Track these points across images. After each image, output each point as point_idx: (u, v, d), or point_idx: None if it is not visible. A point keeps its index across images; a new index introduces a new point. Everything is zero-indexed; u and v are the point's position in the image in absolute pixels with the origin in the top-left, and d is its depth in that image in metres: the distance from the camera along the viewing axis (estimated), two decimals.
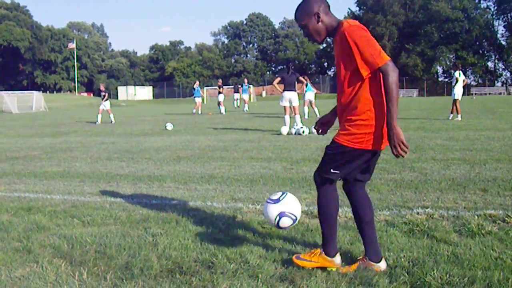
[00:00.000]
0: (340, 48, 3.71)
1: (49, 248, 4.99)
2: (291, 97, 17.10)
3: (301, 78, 18.67)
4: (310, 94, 25.40)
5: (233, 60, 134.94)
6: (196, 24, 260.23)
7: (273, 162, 10.18)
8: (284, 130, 16.82)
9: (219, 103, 36.43)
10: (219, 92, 37.26)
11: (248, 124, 22.39)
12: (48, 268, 4.39)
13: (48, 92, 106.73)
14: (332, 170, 3.88)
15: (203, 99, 55.46)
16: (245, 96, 40.18)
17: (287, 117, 17.36)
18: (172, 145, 14.44)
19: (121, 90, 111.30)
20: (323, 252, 4.06)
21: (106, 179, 8.94)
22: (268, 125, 21.11)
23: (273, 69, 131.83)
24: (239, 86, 45.44)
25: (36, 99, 66.43)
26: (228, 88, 59.39)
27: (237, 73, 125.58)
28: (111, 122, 27.28)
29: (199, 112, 35.91)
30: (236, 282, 3.89)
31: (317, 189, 4.04)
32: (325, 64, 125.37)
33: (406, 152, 3.62)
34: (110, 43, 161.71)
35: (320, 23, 3.82)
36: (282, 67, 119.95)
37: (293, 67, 17.34)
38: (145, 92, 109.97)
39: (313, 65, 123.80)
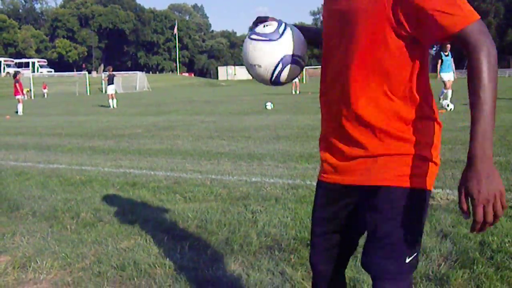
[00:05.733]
0: None
1: (153, 222, 5.14)
2: None
3: None
4: None
5: None
6: (294, 3, 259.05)
7: None
8: None
9: None
10: None
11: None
12: (152, 241, 4.53)
13: (151, 72, 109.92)
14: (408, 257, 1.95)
15: (301, 79, 55.04)
16: None
17: None
18: (271, 124, 14.49)
19: (221, 70, 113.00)
20: None
21: (207, 157, 9.10)
22: None
23: None
24: None
25: (139, 79, 68.55)
26: None
27: None
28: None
29: (297, 91, 35.78)
30: None
31: None
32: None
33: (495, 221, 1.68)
34: (210, 24, 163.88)
35: None
36: None
37: None
38: (244, 72, 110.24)
39: None
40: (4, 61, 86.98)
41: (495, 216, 1.65)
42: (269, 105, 21.12)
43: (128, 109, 26.20)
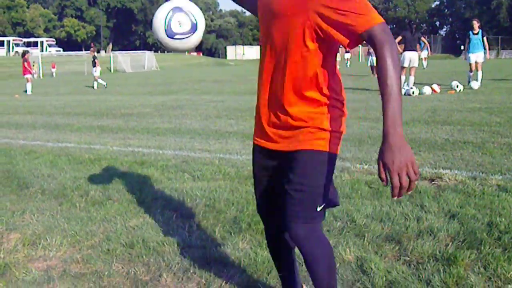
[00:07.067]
0: None
1: (161, 200, 5.17)
2: (411, 57, 16.87)
3: (423, 38, 18.05)
4: (425, 53, 26.74)
5: None
6: None
7: (381, 123, 9.88)
8: None
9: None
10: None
11: (356, 84, 22.00)
12: (160, 219, 4.56)
13: (159, 52, 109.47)
14: (319, 206, 2.33)
15: None
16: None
17: (402, 78, 17.02)
18: None
19: (230, 49, 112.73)
20: None
21: (215, 136, 9.12)
22: (376, 85, 20.70)
23: None
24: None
25: (148, 58, 68.47)
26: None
27: None
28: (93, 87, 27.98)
29: None
30: (343, 240, 3.87)
31: (303, 248, 2.39)
32: (437, 23, 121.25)
33: (411, 188, 1.93)
34: (218, 3, 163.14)
35: None
36: (391, 26, 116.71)
37: (415, 27, 16.93)
38: (253, 52, 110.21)
39: (424, 24, 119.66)
40: (13, 40, 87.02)
41: (410, 182, 1.91)
42: None
43: (137, 88, 26.21)
